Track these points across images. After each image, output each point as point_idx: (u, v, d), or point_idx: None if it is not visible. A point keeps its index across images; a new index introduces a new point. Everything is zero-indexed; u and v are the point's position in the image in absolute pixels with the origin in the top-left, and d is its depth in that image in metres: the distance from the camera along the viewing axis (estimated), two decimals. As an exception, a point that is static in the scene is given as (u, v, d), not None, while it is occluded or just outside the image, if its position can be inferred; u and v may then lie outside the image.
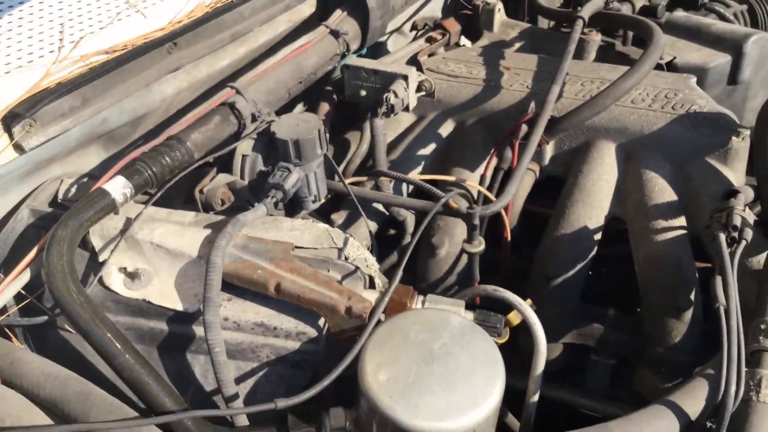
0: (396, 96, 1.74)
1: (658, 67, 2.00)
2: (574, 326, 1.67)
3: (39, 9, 1.35)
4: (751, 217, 1.41)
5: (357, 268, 1.23)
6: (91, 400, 1.01)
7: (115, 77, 1.25)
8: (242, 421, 1.12)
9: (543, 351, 1.30)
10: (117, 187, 1.17)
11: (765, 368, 1.17)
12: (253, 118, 1.40)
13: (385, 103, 1.72)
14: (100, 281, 1.18)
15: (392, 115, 1.77)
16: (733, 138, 1.68)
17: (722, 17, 2.30)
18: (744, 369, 1.14)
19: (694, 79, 1.88)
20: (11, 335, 1.16)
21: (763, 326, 1.22)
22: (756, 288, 1.33)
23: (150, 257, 1.20)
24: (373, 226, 1.77)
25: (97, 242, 1.21)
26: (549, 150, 1.85)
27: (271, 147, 1.39)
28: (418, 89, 1.86)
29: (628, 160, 1.77)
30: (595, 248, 1.68)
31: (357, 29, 1.67)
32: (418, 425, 0.99)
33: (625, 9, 2.22)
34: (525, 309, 1.29)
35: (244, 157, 1.38)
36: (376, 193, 1.60)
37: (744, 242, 1.35)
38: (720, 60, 1.99)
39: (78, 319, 1.04)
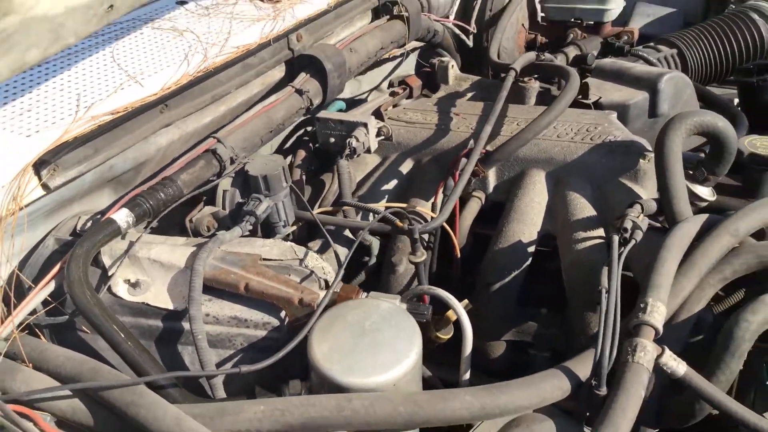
0: (357, 140, 2.08)
1: (586, 106, 2.34)
2: (512, 325, 1.95)
3: (60, 84, 1.72)
4: (644, 223, 1.70)
5: (312, 272, 1.54)
6: (101, 373, 1.31)
7: (119, 132, 1.59)
8: (220, 394, 1.42)
9: (469, 336, 1.59)
10: (122, 216, 1.51)
11: (641, 337, 1.43)
12: (232, 161, 1.74)
13: (348, 146, 2.06)
14: (109, 290, 1.50)
15: (355, 156, 2.11)
16: (641, 161, 1.98)
17: (647, 62, 2.63)
18: (618, 337, 1.41)
19: (614, 115, 2.20)
20: (40, 334, 1.48)
21: (642, 305, 1.49)
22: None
23: (148, 270, 1.53)
24: (343, 251, 2.08)
25: (107, 260, 1.54)
26: (491, 180, 2.17)
27: (246, 183, 1.72)
28: (378, 134, 2.20)
29: (556, 184, 2.08)
30: (530, 259, 1.97)
31: (318, 88, 2.03)
32: (350, 381, 1.28)
33: (560, 59, 2.57)
34: (451, 301, 1.58)
35: (224, 192, 1.72)
36: (337, 219, 1.91)
37: (633, 241, 1.63)
38: (639, 97, 2.31)
39: (91, 317, 1.36)
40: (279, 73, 2.02)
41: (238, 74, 1.83)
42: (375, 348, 1.33)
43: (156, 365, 1.37)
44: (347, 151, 2.06)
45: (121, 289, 1.51)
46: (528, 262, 1.97)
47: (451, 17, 3.15)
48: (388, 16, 2.53)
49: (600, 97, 2.34)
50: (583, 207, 1.98)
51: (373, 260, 2.10)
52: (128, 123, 1.61)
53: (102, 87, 1.69)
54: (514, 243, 1.98)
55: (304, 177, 2.19)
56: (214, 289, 1.50)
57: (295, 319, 1.45)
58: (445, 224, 2.03)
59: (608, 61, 2.50)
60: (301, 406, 1.25)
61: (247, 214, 1.63)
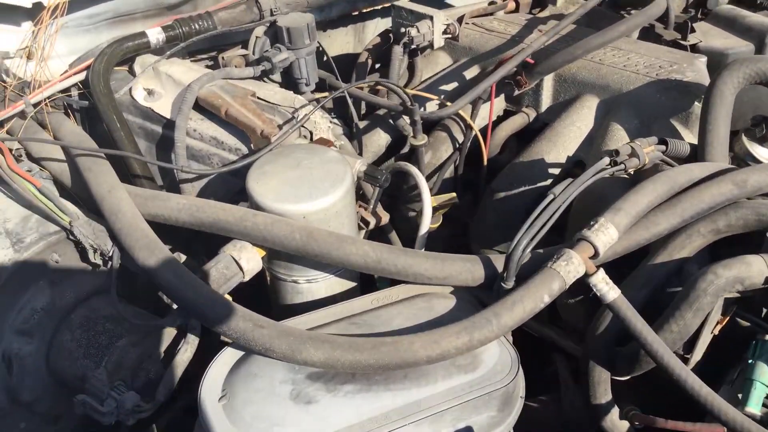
0: (418, 31, 2.12)
1: (683, 47, 2.14)
2: (507, 238, 1.91)
3: None
4: (650, 155, 1.58)
5: (293, 117, 1.65)
6: (92, 147, 1.56)
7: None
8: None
9: (427, 215, 1.62)
10: (154, 33, 1.73)
11: (574, 249, 1.37)
12: (271, 13, 1.88)
13: (407, 35, 2.11)
14: (129, 91, 1.74)
15: (413, 46, 2.14)
16: (696, 103, 1.81)
17: (778, 15, 2.30)
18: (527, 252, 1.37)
19: (703, 59, 1.99)
20: (71, 114, 1.76)
21: (592, 222, 1.42)
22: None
23: (164, 83, 1.74)
24: (385, 136, 2.16)
25: (137, 69, 1.77)
26: (546, 99, 2.09)
27: (276, 34, 1.86)
28: (445, 32, 2.20)
29: (606, 114, 1.96)
30: (548, 179, 1.91)
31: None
32: (264, 203, 1.40)
33: (679, -2, 2.35)
34: (417, 176, 1.61)
35: (257, 38, 1.87)
36: (361, 93, 1.98)
37: (622, 165, 1.54)
38: (741, 48, 2.06)
39: (99, 104, 1.61)
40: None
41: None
42: (298, 181, 1.42)
43: (140, 154, 1.58)
44: (405, 39, 2.11)
45: (139, 94, 1.74)
46: (546, 182, 1.91)
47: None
48: None
49: (700, 41, 2.13)
50: (620, 139, 1.86)
51: (406, 149, 2.14)
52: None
53: None
54: (536, 159, 1.93)
55: (370, 61, 2.28)
56: (209, 112, 1.67)
57: (258, 150, 1.59)
58: (478, 132, 2.04)
59: (726, 7, 2.23)
60: (213, 208, 1.39)
61: (264, 60, 1.76)
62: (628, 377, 1.54)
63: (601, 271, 1.36)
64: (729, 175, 1.47)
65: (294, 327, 1.24)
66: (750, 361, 1.47)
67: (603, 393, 1.56)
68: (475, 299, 1.46)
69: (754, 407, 1.40)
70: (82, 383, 1.35)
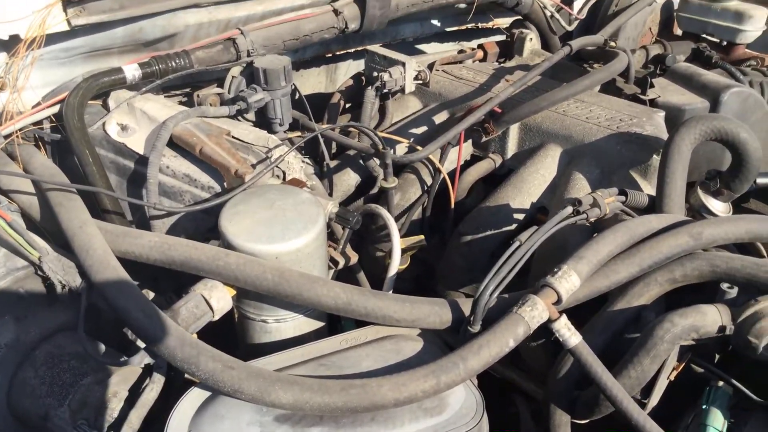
0: (390, 76, 2.18)
1: (642, 102, 2.24)
2: (473, 281, 1.96)
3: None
4: (610, 206, 1.64)
5: (268, 157, 1.67)
6: (64, 182, 1.55)
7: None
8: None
9: (396, 258, 1.65)
10: (130, 69, 1.75)
11: (538, 295, 1.42)
12: (248, 54, 1.91)
13: (380, 79, 2.17)
14: (103, 126, 1.74)
15: (385, 90, 2.20)
16: (654, 156, 1.89)
17: (731, 74, 2.43)
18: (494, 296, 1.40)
19: (661, 114, 2.09)
20: (42, 147, 1.76)
21: (556, 269, 1.46)
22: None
23: (139, 119, 1.75)
24: (354, 176, 2.20)
25: (111, 104, 1.78)
26: (511, 146, 2.16)
27: (252, 75, 1.89)
28: (416, 78, 2.27)
29: (568, 163, 2.03)
30: (514, 224, 1.96)
31: (357, 13, 2.14)
32: (237, 243, 1.41)
33: (639, 55, 2.46)
34: (386, 218, 1.65)
35: (233, 78, 1.90)
36: (334, 134, 2.02)
37: (584, 215, 1.59)
38: (697, 104, 2.17)
39: (71, 137, 1.62)
40: (325, -9, 2.16)
41: (282, -18, 2.00)
42: (272, 222, 1.44)
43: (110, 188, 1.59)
44: (378, 83, 2.16)
45: (112, 129, 1.75)
46: (511, 227, 1.97)
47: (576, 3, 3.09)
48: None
49: (658, 96, 2.23)
50: (581, 188, 1.93)
51: (375, 189, 2.18)
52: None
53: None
54: (501, 204, 1.98)
55: (342, 102, 2.32)
56: (183, 149, 1.69)
57: (231, 189, 1.60)
58: (446, 175, 2.09)
59: (684, 65, 2.35)
60: (185, 247, 1.40)
61: (240, 99, 1.79)
62: (587, 420, 1.58)
63: (564, 317, 1.41)
64: (685, 227, 1.54)
65: (263, 368, 1.25)
66: (704, 406, 1.52)
67: (563, 435, 1.59)
68: (442, 342, 1.49)
69: (708, 452, 1.45)
70: (44, 422, 1.33)
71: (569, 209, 1.61)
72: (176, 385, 1.34)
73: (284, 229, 1.43)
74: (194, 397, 1.27)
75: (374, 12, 2.13)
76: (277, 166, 1.68)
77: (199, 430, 1.20)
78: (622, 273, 1.51)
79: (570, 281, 1.44)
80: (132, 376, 1.36)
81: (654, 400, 1.53)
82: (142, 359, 1.32)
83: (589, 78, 1.97)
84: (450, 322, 1.46)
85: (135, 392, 1.33)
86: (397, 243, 1.63)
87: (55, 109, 1.71)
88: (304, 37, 2.03)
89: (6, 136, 1.63)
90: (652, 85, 2.27)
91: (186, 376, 1.30)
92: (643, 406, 1.50)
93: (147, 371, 1.35)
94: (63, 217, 1.43)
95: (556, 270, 1.46)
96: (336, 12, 2.08)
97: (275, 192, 1.52)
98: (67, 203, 1.45)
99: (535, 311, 1.39)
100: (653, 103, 2.24)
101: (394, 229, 1.64)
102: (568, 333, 1.40)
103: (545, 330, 1.42)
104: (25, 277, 1.44)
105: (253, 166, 1.65)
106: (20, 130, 1.66)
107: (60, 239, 1.46)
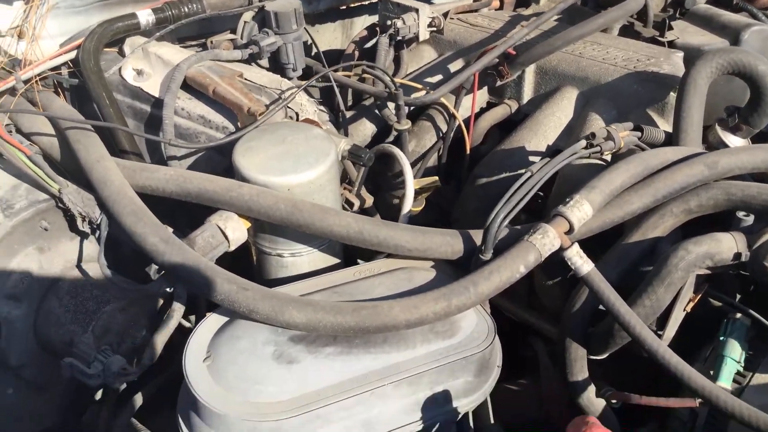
0: (404, 23, 2.17)
1: (660, 44, 2.21)
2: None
3: None
4: (619, 139, 1.63)
5: (280, 97, 1.68)
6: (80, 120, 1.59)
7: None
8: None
9: (409, 195, 1.66)
10: (144, 14, 1.77)
11: (549, 224, 1.42)
12: (260, -1, 1.92)
13: (393, 26, 2.16)
14: (119, 70, 1.77)
15: (399, 38, 2.19)
16: (671, 93, 1.87)
17: (753, 15, 2.37)
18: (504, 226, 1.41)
19: (679, 54, 2.06)
20: (62, 94, 1.79)
21: (568, 199, 1.46)
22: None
23: (153, 64, 1.77)
24: (372, 127, 2.20)
25: (127, 50, 1.81)
26: (528, 91, 2.15)
27: (264, 19, 1.90)
28: (430, 25, 2.25)
29: (585, 104, 2.02)
30: (528, 166, 1.95)
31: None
32: (249, 175, 1.43)
33: (657, -4, 2.42)
34: (400, 157, 1.65)
35: (245, 23, 1.91)
36: (347, 79, 2.02)
37: (598, 147, 1.59)
38: (716, 44, 2.12)
39: (89, 81, 1.64)
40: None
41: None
42: (284, 156, 1.46)
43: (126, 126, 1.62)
44: (391, 30, 2.15)
45: (128, 74, 1.77)
46: (524, 170, 1.95)
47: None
48: None
49: (677, 38, 2.19)
50: (598, 128, 1.91)
51: (391, 138, 2.18)
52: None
53: None
54: (517, 147, 1.98)
55: (356, 53, 2.32)
56: (197, 92, 1.70)
57: (245, 127, 1.62)
58: (461, 121, 2.08)
59: (704, 7, 2.30)
60: (200, 179, 1.42)
61: (252, 43, 1.81)
62: (603, 356, 1.58)
63: (576, 245, 1.41)
64: (701, 157, 1.53)
65: (277, 290, 1.27)
66: (722, 338, 1.51)
67: (579, 370, 1.59)
68: (454, 273, 1.50)
69: (725, 382, 1.45)
70: (69, 348, 1.37)
71: (582, 143, 1.61)
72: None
73: (296, 162, 1.44)
74: (212, 321, 1.30)
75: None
76: (290, 107, 1.69)
77: (217, 350, 1.23)
78: (636, 203, 1.50)
79: (582, 210, 1.44)
80: (153, 305, 1.39)
81: (670, 332, 1.52)
82: (162, 286, 1.35)
83: (603, 17, 1.95)
84: (462, 252, 1.47)
85: (155, 320, 1.36)
86: (410, 181, 1.64)
87: (72, 54, 1.73)
88: (318, -18, 2.04)
89: (25, 82, 1.66)
90: (670, 28, 2.23)
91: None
92: (659, 337, 1.50)
93: (167, 300, 1.38)
94: (81, 153, 1.46)
95: (567, 200, 1.46)
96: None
97: (288, 128, 1.54)
98: (85, 140, 1.49)
99: (546, 239, 1.39)
100: (672, 45, 2.20)
101: (407, 167, 1.65)
102: (580, 261, 1.40)
103: (560, 266, 1.42)
104: (47, 209, 1.48)
105: (267, 106, 1.66)
106: (39, 75, 1.69)
107: (79, 177, 1.49)
